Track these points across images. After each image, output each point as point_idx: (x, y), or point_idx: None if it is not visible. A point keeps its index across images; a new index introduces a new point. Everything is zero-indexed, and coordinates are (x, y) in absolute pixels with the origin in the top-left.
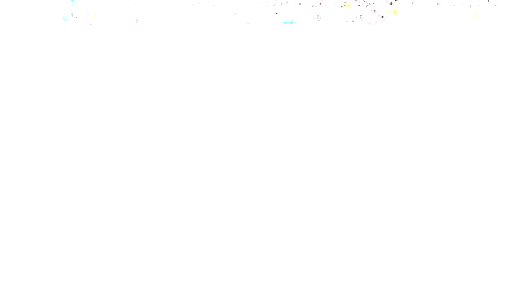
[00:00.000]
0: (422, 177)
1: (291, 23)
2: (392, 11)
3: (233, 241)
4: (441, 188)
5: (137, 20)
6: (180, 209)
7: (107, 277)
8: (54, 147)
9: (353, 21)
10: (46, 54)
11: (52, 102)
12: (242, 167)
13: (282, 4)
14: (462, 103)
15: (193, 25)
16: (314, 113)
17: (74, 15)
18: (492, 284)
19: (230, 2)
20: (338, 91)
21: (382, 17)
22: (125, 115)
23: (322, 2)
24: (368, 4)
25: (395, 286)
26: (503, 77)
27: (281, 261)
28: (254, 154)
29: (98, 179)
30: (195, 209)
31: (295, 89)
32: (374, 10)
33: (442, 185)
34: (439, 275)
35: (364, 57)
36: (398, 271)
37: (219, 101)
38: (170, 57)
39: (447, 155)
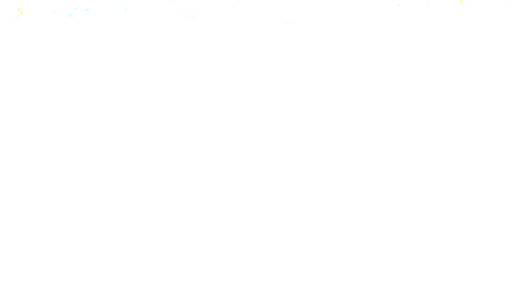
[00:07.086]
0: (420, 176)
1: (291, 23)
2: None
3: (233, 240)
4: (437, 186)
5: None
6: (179, 209)
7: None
8: (53, 143)
9: (354, 20)
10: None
11: (52, 99)
12: (242, 167)
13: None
14: (462, 101)
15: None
16: (314, 113)
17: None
18: (492, 284)
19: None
20: (338, 89)
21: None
22: (124, 112)
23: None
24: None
25: (395, 286)
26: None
27: (281, 261)
28: (254, 154)
29: (94, 178)
30: (195, 209)
31: (295, 87)
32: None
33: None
34: (439, 275)
35: (363, 56)
36: (398, 271)
37: (219, 99)
38: (170, 56)
39: (449, 154)
